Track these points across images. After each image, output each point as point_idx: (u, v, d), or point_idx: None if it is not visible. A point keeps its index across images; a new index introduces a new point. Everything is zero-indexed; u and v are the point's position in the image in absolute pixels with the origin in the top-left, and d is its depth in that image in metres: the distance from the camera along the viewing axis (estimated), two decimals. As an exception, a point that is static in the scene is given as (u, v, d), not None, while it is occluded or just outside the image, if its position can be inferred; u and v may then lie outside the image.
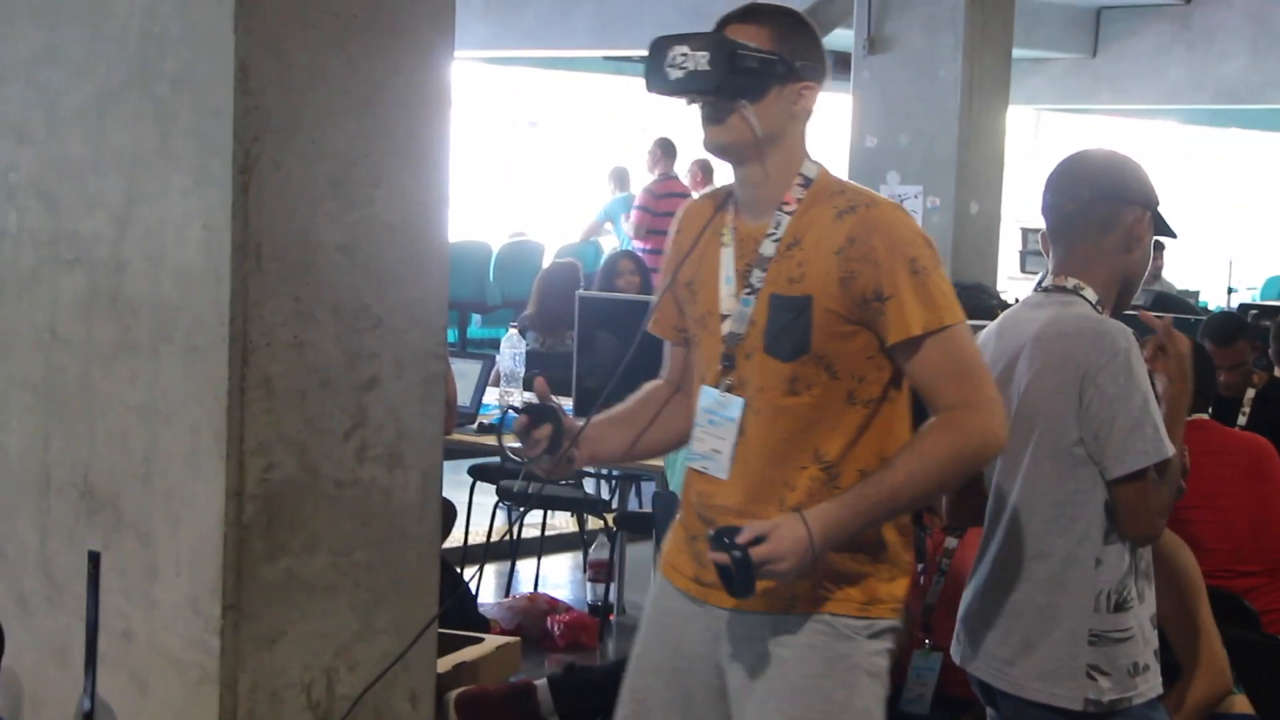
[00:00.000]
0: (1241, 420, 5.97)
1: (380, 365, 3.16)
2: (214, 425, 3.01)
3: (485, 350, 8.74)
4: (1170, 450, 3.04)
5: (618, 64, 15.11)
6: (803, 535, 2.64)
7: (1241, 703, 3.99)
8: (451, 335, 12.44)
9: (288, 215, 3.03)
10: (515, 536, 7.06)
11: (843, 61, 9.30)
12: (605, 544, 6.50)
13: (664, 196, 11.59)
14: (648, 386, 3.07)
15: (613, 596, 6.51)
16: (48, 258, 3.35)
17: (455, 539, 6.57)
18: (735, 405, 2.81)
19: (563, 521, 7.79)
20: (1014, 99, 9.82)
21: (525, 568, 7.20)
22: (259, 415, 3.02)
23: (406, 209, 3.18)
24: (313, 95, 3.04)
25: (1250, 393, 6.08)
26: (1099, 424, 3.03)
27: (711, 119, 2.79)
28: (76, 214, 3.28)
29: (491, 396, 6.59)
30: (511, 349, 6.78)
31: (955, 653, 3.29)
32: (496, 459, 6.61)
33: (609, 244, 13.45)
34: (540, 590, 6.80)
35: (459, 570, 6.07)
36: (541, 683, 4.67)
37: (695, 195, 11.82)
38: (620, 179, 13.26)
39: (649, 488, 7.07)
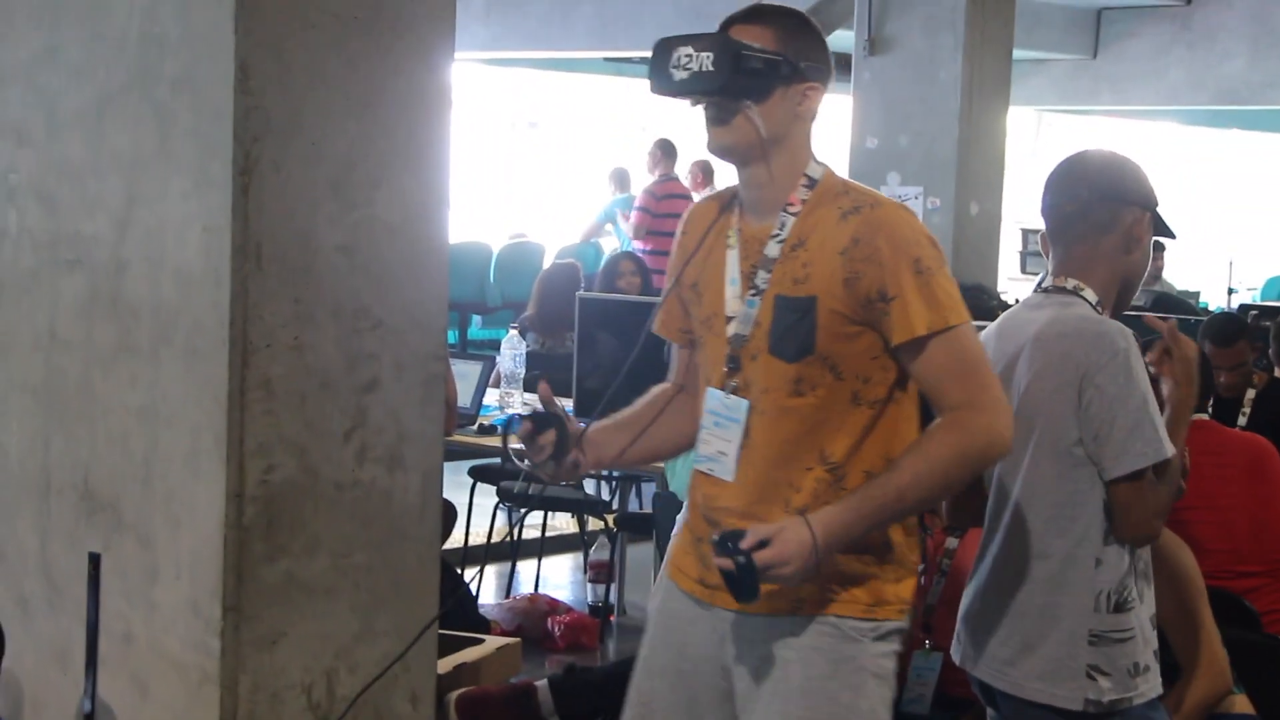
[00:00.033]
0: (1242, 420, 5.97)
1: (380, 367, 3.16)
2: (214, 427, 3.01)
3: (485, 351, 8.75)
4: (1169, 451, 3.04)
5: (618, 65, 15.11)
6: (806, 539, 2.64)
7: (1242, 703, 3.99)
8: (452, 336, 12.45)
9: (288, 217, 3.03)
10: (516, 538, 7.06)
11: (843, 62, 9.29)
12: (606, 545, 6.50)
13: (665, 198, 11.59)
14: (654, 390, 3.07)
15: (613, 597, 6.51)
16: (48, 260, 3.35)
17: (456, 540, 6.57)
18: (740, 407, 2.80)
19: (563, 522, 7.79)
20: (1014, 100, 9.83)
21: (526, 569, 7.19)
22: (259, 417, 3.02)
23: (407, 210, 3.18)
24: (313, 96, 3.04)
25: (1250, 393, 6.09)
26: (1098, 424, 3.04)
27: (716, 120, 2.78)
28: (76, 216, 3.28)
29: (492, 398, 6.59)
30: (512, 350, 6.78)
31: (955, 653, 3.30)
32: (497, 460, 6.60)
33: (609, 245, 13.45)
34: (541, 591, 6.79)
35: (459, 571, 6.08)
36: (542, 684, 4.67)
37: (696, 196, 11.85)
38: (620, 180, 13.27)
39: (649, 489, 7.07)
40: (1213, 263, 14.35)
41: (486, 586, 6.97)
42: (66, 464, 3.32)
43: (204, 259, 3.02)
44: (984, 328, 3.28)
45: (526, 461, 2.90)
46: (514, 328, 7.13)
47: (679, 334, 3.01)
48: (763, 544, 2.63)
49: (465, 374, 6.12)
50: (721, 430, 2.82)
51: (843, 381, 2.75)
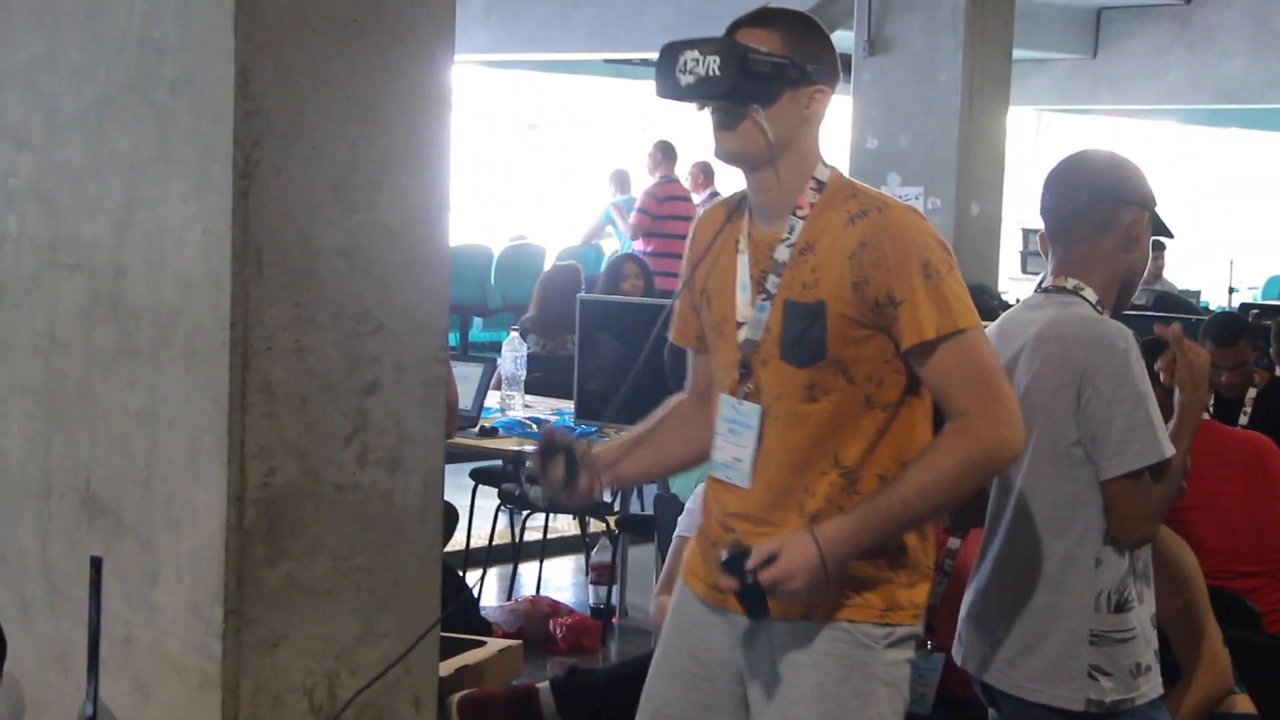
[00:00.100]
0: (1243, 420, 5.97)
1: (381, 369, 3.16)
2: (215, 430, 3.01)
3: (486, 354, 8.74)
4: (1167, 452, 3.03)
5: (618, 67, 15.12)
6: (813, 553, 2.63)
7: (1243, 702, 3.99)
8: (452, 339, 12.46)
9: (288, 220, 3.03)
10: (517, 540, 7.06)
11: (843, 63, 9.30)
12: (607, 547, 6.50)
13: (665, 200, 11.59)
14: (671, 401, 3.05)
15: (615, 599, 6.51)
16: (48, 263, 3.35)
17: (457, 543, 6.57)
18: (753, 413, 2.79)
19: (565, 524, 7.78)
20: (1014, 100, 9.84)
21: (527, 571, 7.19)
22: (260, 420, 3.02)
23: (407, 213, 3.18)
24: (313, 99, 3.04)
25: (1252, 392, 6.08)
26: (1095, 424, 3.04)
27: (723, 125, 2.76)
28: (76, 219, 3.28)
29: (493, 400, 6.59)
30: (513, 352, 6.78)
31: (957, 653, 3.30)
32: (498, 462, 6.60)
33: (610, 247, 13.45)
34: (542, 593, 6.79)
35: (461, 574, 6.08)
36: (544, 685, 4.67)
37: (696, 198, 11.77)
38: (621, 182, 13.27)
39: (651, 491, 7.07)
40: (1213, 262, 14.35)
41: (488, 589, 6.97)
42: (67, 467, 3.32)
43: (204, 262, 3.02)
44: (984, 328, 3.28)
45: (539, 489, 2.89)
46: (515, 330, 7.13)
47: (696, 341, 2.99)
48: (770, 560, 2.62)
49: (466, 376, 6.11)
50: (735, 437, 2.81)
51: (855, 385, 2.73)
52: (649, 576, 6.22)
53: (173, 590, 3.11)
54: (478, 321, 13.50)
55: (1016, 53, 9.70)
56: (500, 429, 6.19)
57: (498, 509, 7.00)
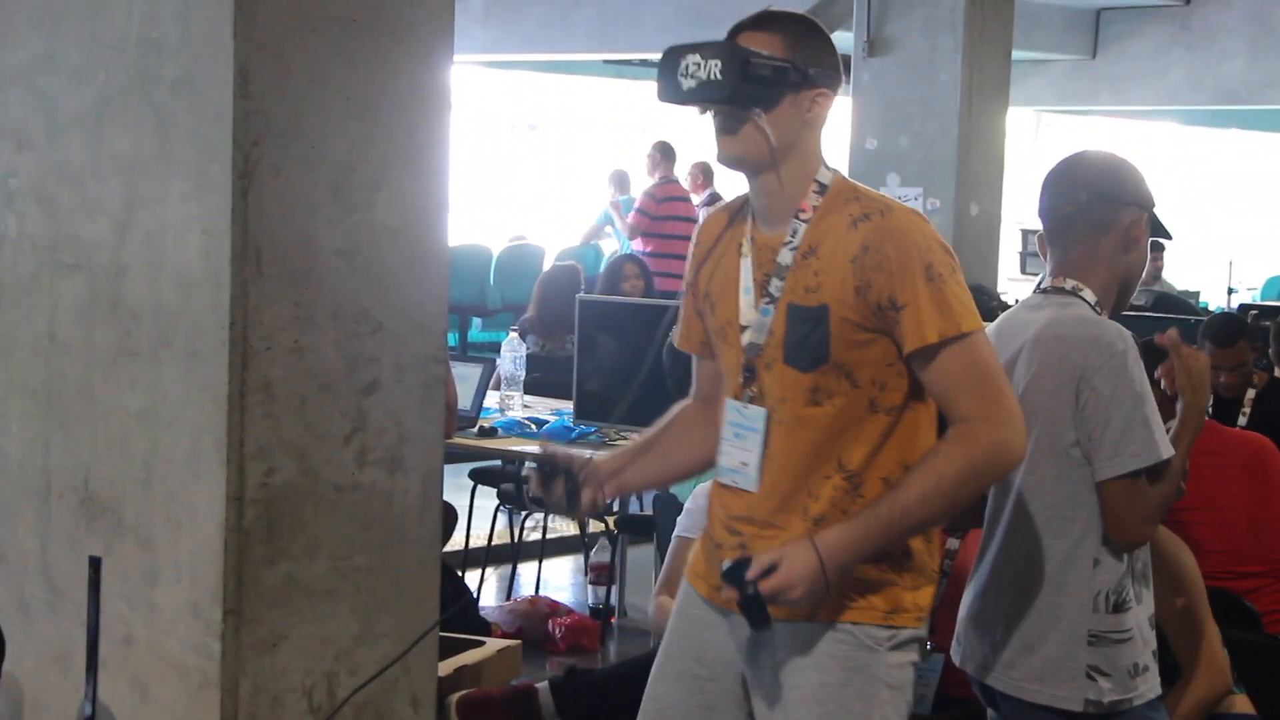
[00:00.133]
0: (1242, 420, 5.97)
1: (380, 369, 3.16)
2: (214, 430, 3.01)
3: (485, 354, 8.74)
4: (1163, 454, 3.03)
5: (617, 67, 15.13)
6: (813, 562, 2.63)
7: (1242, 703, 3.99)
8: (452, 339, 12.45)
9: (287, 220, 3.03)
10: (516, 540, 7.06)
11: (843, 64, 9.32)
12: (606, 547, 6.50)
13: (665, 200, 11.59)
14: (675, 408, 3.05)
15: (614, 599, 6.51)
16: (47, 263, 3.35)
17: (456, 542, 6.57)
18: (759, 416, 2.78)
19: (564, 524, 7.78)
20: (1014, 100, 9.84)
21: (526, 571, 7.19)
22: (259, 420, 3.02)
23: (406, 213, 3.18)
24: (312, 100, 3.05)
25: (1251, 393, 6.08)
26: (1093, 425, 3.04)
27: (725, 130, 2.76)
28: (76, 219, 3.28)
29: (492, 400, 6.59)
30: (512, 352, 6.78)
31: (956, 654, 3.30)
32: (497, 462, 6.60)
33: (609, 247, 13.45)
34: (541, 593, 6.79)
35: (460, 574, 6.08)
36: (543, 685, 4.66)
37: (695, 198, 11.74)
38: (620, 182, 13.27)
39: (650, 491, 7.07)
40: (1213, 263, 14.35)
41: (487, 589, 6.97)
42: (67, 467, 3.32)
43: (204, 262, 3.02)
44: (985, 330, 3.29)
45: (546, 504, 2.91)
46: (514, 330, 7.13)
47: (702, 347, 2.98)
48: (769, 570, 2.62)
49: (465, 376, 6.11)
50: (741, 441, 2.80)
51: (859, 389, 2.73)
52: (648, 576, 6.22)
53: (172, 590, 3.11)
54: (477, 322, 13.51)
55: (1016, 53, 9.70)
56: (499, 429, 6.18)
57: (497, 509, 7.01)
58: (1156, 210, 3.24)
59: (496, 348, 7.51)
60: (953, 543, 4.21)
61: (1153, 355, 3.27)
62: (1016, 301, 3.77)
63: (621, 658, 5.90)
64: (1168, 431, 3.10)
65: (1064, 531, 3.09)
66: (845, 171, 2.85)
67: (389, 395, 3.18)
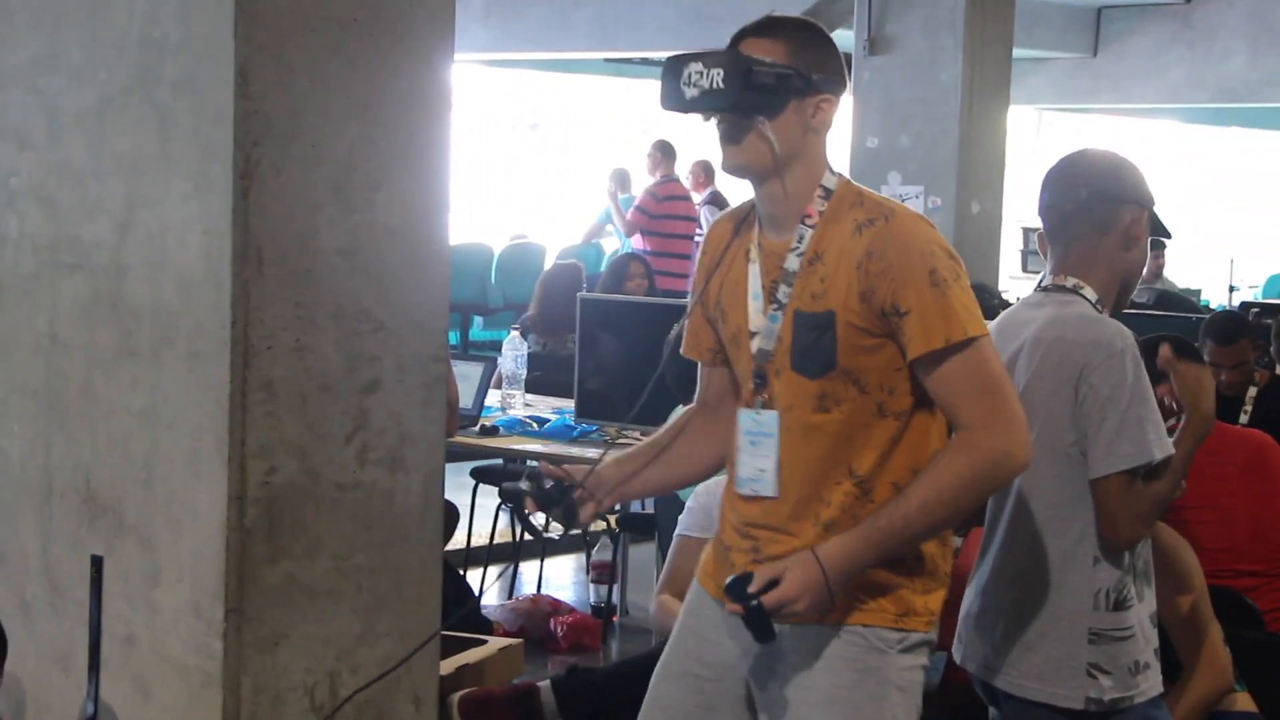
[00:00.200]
0: (1243, 419, 5.97)
1: (381, 368, 3.16)
2: (215, 430, 3.01)
3: (487, 353, 8.74)
4: (1156, 455, 3.03)
5: (618, 66, 15.12)
6: (815, 574, 2.63)
7: (1244, 700, 3.99)
8: (453, 338, 12.46)
9: (288, 220, 3.03)
10: (518, 539, 7.06)
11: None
12: (608, 545, 6.51)
13: (665, 199, 11.59)
14: (679, 414, 3.05)
15: (615, 598, 6.51)
16: (48, 263, 3.35)
17: (458, 541, 6.57)
18: (772, 420, 2.78)
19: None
20: (1015, 99, 9.84)
21: (528, 569, 7.20)
22: (260, 419, 3.02)
23: (407, 212, 3.18)
24: (313, 99, 3.05)
25: (1252, 391, 6.08)
26: (1089, 422, 3.04)
27: (728, 138, 2.75)
28: (77, 219, 3.28)
29: (493, 399, 6.59)
30: (513, 351, 6.78)
31: (957, 653, 3.30)
32: (499, 461, 6.61)
33: (610, 245, 13.45)
34: (543, 592, 6.79)
35: (462, 573, 6.08)
36: (544, 684, 4.67)
37: (696, 197, 11.72)
38: (621, 180, 13.27)
39: (651, 489, 7.06)
40: (1214, 261, 14.36)
41: (488, 588, 6.97)
42: (68, 466, 3.32)
43: (205, 262, 3.02)
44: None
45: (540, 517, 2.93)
46: (515, 329, 7.13)
47: (707, 354, 2.98)
48: (772, 583, 2.62)
49: (467, 375, 6.12)
50: (757, 448, 2.80)
51: (867, 395, 2.72)
52: (650, 575, 6.22)
53: (174, 590, 3.11)
54: (478, 320, 13.51)
55: (1017, 51, 9.70)
56: (501, 428, 6.19)
57: (498, 508, 7.01)
58: (1157, 209, 3.24)
59: (498, 346, 7.51)
60: (955, 541, 4.21)
61: (1151, 348, 3.27)
62: (1018, 300, 3.77)
63: (623, 656, 5.90)
64: (1171, 434, 3.11)
65: (1064, 530, 3.09)
66: (846, 170, 2.84)
67: (390, 394, 3.18)
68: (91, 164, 3.25)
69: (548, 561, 7.27)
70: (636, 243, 11.52)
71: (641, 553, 6.72)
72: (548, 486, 2.89)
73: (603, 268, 10.35)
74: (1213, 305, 11.47)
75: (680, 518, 4.38)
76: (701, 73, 2.70)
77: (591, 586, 6.64)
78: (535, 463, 3.00)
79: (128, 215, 3.17)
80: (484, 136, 16.89)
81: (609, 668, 5.16)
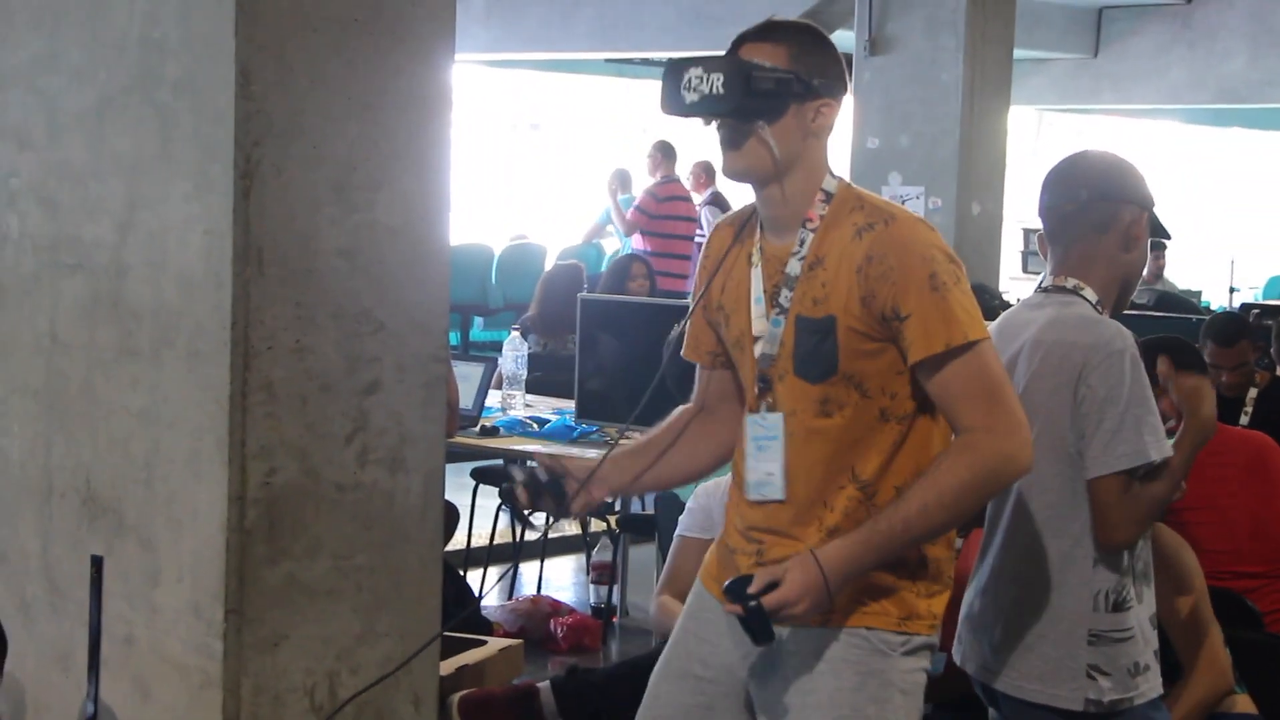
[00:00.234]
0: (1244, 420, 5.97)
1: (382, 369, 3.16)
2: (216, 430, 3.01)
3: (487, 353, 8.74)
4: (1153, 457, 3.03)
5: (619, 66, 15.12)
6: (815, 576, 2.63)
7: (1244, 702, 3.99)
8: (453, 338, 12.46)
9: (289, 220, 3.03)
10: (518, 539, 7.06)
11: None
12: (608, 546, 6.51)
13: (666, 200, 11.59)
14: (675, 413, 3.05)
15: (616, 599, 6.51)
16: (49, 263, 3.35)
17: (458, 542, 6.57)
18: (778, 421, 2.78)
19: (565, 524, 7.78)
20: (1015, 99, 9.84)
21: (528, 570, 7.20)
22: (260, 420, 3.02)
23: (408, 212, 3.18)
24: (313, 99, 3.05)
25: (1252, 392, 6.08)
26: (1086, 423, 3.04)
27: (729, 143, 2.75)
28: (78, 219, 3.28)
29: (494, 399, 6.59)
30: (513, 351, 6.78)
31: (957, 653, 3.30)
32: (499, 461, 6.61)
33: (611, 246, 13.45)
34: (543, 593, 6.80)
35: (462, 574, 6.08)
36: (544, 685, 4.67)
37: (696, 197, 11.73)
38: (622, 181, 13.27)
39: (651, 490, 7.07)
40: (1214, 262, 14.35)
41: (487, 587, 6.97)
42: (68, 467, 3.32)
43: (205, 262, 3.02)
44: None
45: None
46: (515, 329, 7.13)
47: (708, 357, 2.99)
48: (771, 586, 2.62)
49: (467, 376, 6.12)
50: (764, 453, 2.80)
51: (870, 399, 2.72)
52: (650, 576, 6.22)
53: (174, 590, 3.11)
54: (478, 321, 13.51)
55: (1017, 52, 9.70)
56: (501, 428, 6.19)
57: (498, 508, 7.01)
58: (1157, 209, 3.24)
59: (498, 347, 7.51)
60: (956, 543, 4.21)
61: (1151, 348, 3.27)
62: (1018, 301, 3.77)
63: (623, 657, 5.90)
64: (1171, 436, 3.11)
65: (1063, 531, 3.09)
66: (846, 171, 2.85)
67: (390, 395, 3.18)
68: (92, 164, 3.25)
69: (548, 562, 7.27)
70: (636, 243, 11.52)
71: (641, 553, 6.72)
72: (543, 479, 2.90)
73: (603, 268, 10.36)
74: (1213, 306, 11.47)
75: (680, 518, 4.38)
76: (702, 77, 2.70)
77: (591, 587, 6.64)
78: (535, 463, 2.99)
79: (128, 215, 3.17)
80: (484, 136, 16.89)
81: (609, 669, 5.16)
